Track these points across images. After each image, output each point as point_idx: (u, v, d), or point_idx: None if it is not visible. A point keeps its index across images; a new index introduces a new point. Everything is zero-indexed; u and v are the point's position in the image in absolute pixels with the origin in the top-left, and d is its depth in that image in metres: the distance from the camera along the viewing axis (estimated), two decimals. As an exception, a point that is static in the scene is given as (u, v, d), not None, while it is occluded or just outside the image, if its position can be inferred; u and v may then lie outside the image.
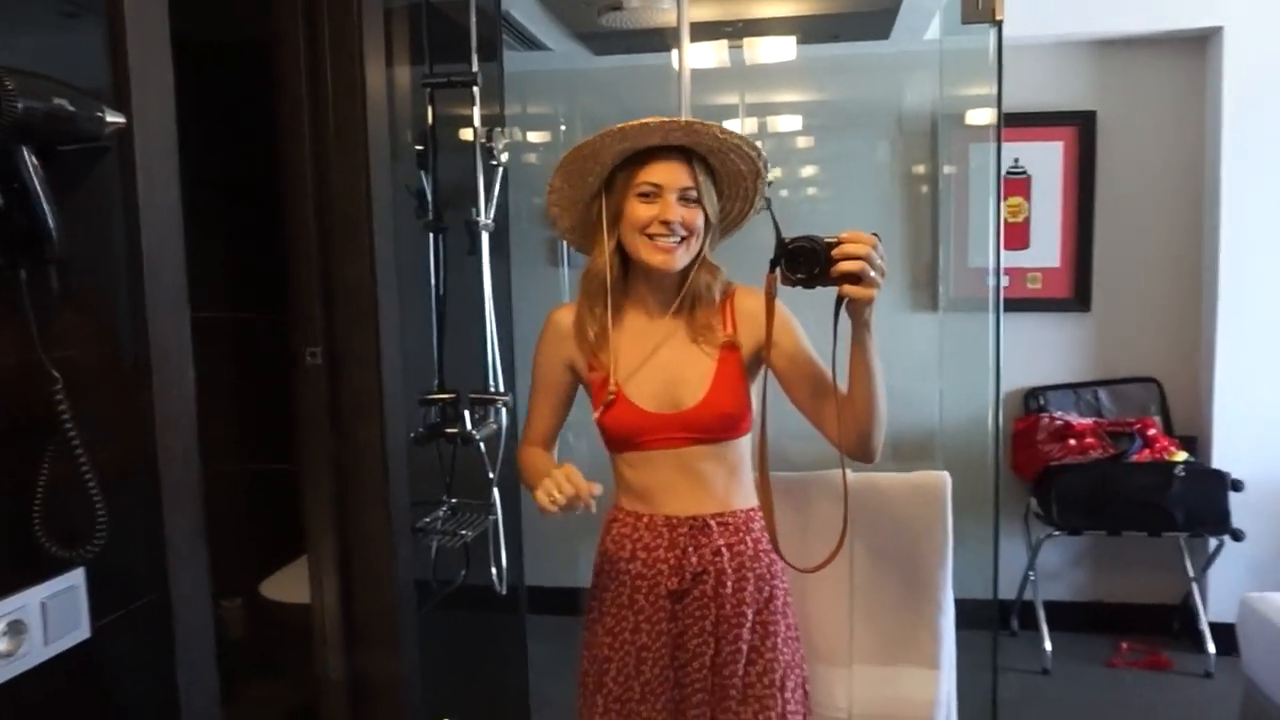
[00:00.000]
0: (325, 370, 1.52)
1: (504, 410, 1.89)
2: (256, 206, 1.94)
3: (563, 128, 3.07)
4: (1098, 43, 3.23)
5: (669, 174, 1.37)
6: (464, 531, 1.73)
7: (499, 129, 2.03)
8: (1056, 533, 3.09)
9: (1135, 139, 3.32)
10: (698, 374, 1.41)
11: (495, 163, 1.99)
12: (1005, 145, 3.42)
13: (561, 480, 1.28)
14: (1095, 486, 3.01)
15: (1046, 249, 3.46)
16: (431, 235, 1.92)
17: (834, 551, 1.31)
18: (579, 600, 2.91)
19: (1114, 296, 3.38)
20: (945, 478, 1.59)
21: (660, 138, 1.36)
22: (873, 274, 1.21)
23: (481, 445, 1.84)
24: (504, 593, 1.89)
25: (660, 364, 1.42)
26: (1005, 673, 3.00)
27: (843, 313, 1.24)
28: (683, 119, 1.36)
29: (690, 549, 1.42)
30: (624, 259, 1.43)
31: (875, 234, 1.22)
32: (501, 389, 1.92)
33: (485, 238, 1.94)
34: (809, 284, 1.22)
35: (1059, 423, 3.26)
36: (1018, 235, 3.52)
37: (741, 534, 1.44)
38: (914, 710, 1.58)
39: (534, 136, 3.18)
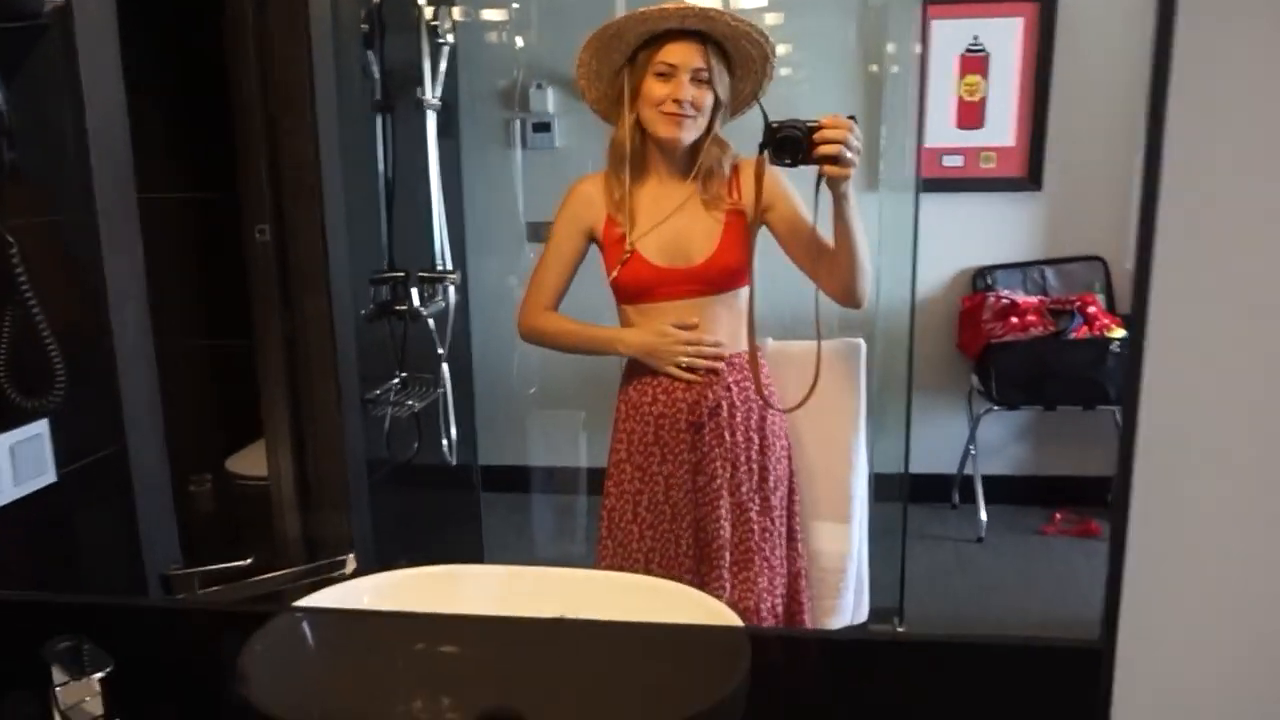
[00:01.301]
0: (274, 247, 1.58)
1: (451, 288, 1.96)
2: (204, 88, 1.96)
3: (515, 5, 3.03)
4: (1061, -85, 3.19)
5: (684, 55, 1.53)
6: (412, 402, 1.82)
7: (445, 7, 2.04)
8: (995, 408, 3.22)
9: (1096, 15, 3.30)
10: (707, 234, 1.60)
11: (442, 41, 2.01)
12: (965, 22, 3.43)
13: (694, 351, 1.59)
14: (1033, 362, 3.13)
15: (1002, 128, 3.47)
16: (380, 115, 1.95)
17: (809, 392, 1.55)
18: (530, 478, 3.05)
19: (1066, 175, 3.40)
20: (860, 344, 1.69)
21: (677, 22, 1.52)
22: (849, 155, 1.42)
23: (430, 322, 1.92)
24: (454, 463, 2.00)
25: (674, 226, 1.60)
26: (941, 542, 3.18)
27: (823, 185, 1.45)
28: (698, 5, 1.54)
29: (705, 388, 1.62)
30: (643, 131, 1.60)
31: (852, 117, 1.42)
32: (449, 267, 1.99)
33: (432, 117, 1.97)
34: (793, 165, 1.43)
35: (1004, 301, 3.35)
36: (974, 114, 3.52)
37: (746, 372, 1.64)
38: (827, 562, 1.73)
39: (490, 14, 3.14)
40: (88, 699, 0.74)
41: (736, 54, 1.56)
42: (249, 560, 0.98)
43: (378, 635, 0.85)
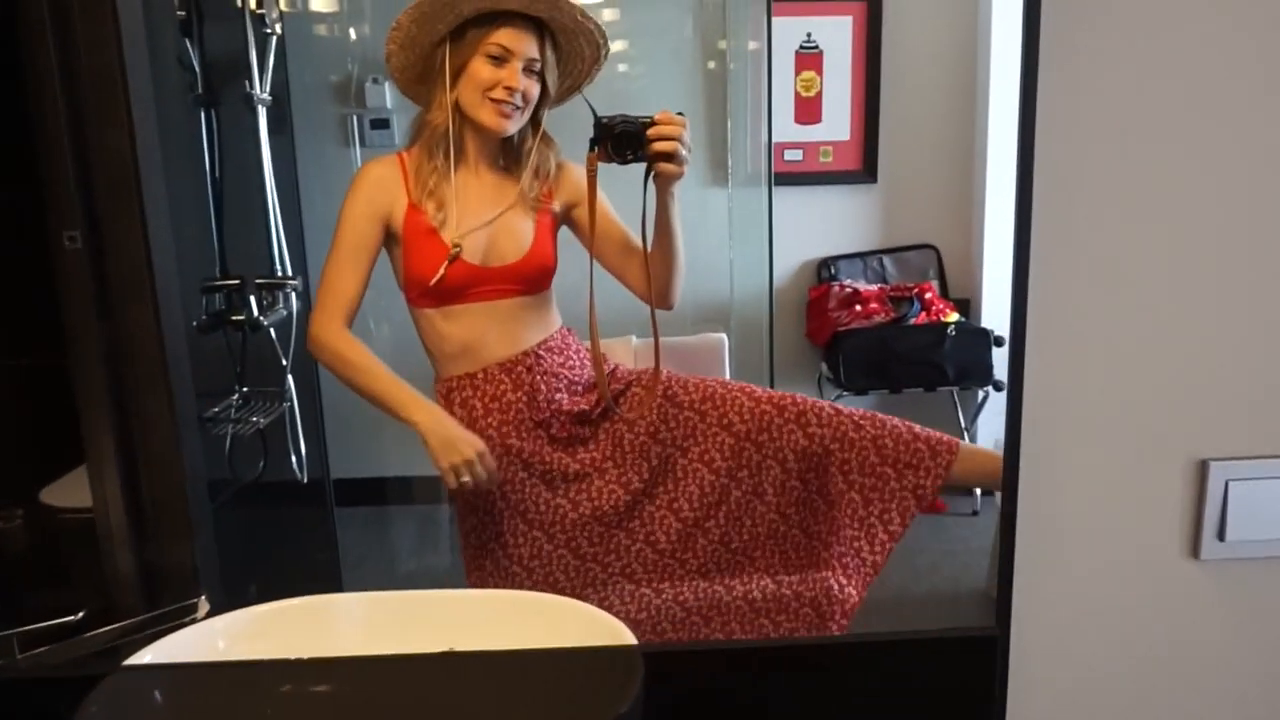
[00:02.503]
0: (86, 255, 1.42)
1: (294, 295, 1.84)
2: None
3: (348, -3, 2.88)
4: (884, -85, 3.32)
5: (520, 42, 1.47)
6: (256, 419, 1.70)
7: (271, -5, 1.91)
8: (845, 393, 3.31)
9: (920, 14, 3.46)
10: (521, 232, 1.55)
11: (269, 31, 1.89)
12: (799, 20, 3.53)
13: (477, 470, 1.48)
14: (877, 348, 3.25)
15: (838, 123, 3.57)
16: (203, 110, 1.81)
17: (649, 398, 1.56)
18: (386, 490, 2.92)
19: (898, 169, 3.55)
20: (723, 339, 1.71)
21: (522, 5, 1.46)
22: (684, 153, 1.41)
23: (272, 332, 1.79)
24: (305, 480, 1.88)
25: (487, 221, 1.54)
26: (799, 523, 3.25)
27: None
28: None
29: (537, 378, 1.57)
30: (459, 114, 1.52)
31: (681, 113, 1.42)
32: (290, 273, 1.86)
33: (263, 113, 1.84)
34: (633, 161, 1.41)
35: (848, 290, 3.46)
36: (811, 110, 3.61)
37: (565, 351, 1.62)
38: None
39: (319, 4, 2.98)
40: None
41: (569, 48, 1.52)
42: (79, 615, 0.86)
43: (238, 681, 0.76)
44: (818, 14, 3.48)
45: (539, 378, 1.57)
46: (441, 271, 1.49)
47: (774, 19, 3.27)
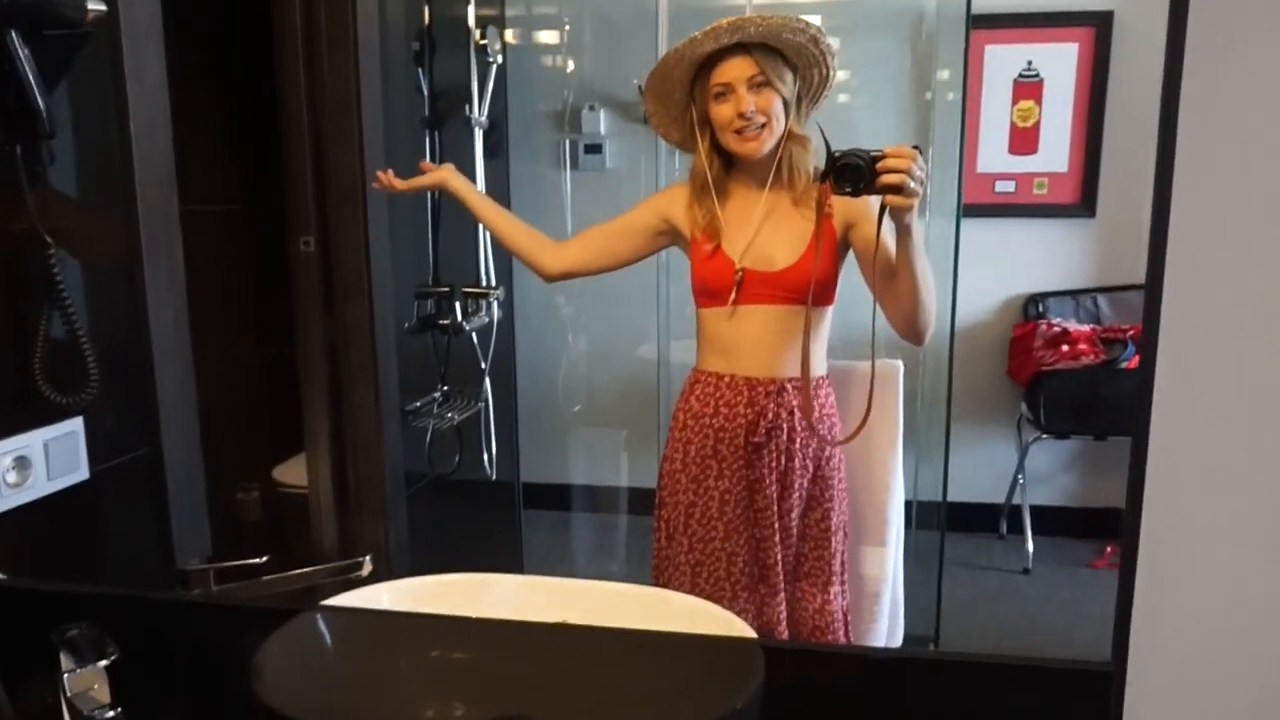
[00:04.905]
0: (318, 257, 1.61)
1: (495, 304, 1.98)
2: (250, 99, 2.01)
3: (567, 28, 3.07)
4: (1116, -60, 3.15)
5: (734, 71, 1.53)
6: (452, 415, 1.84)
7: (495, 29, 2.08)
8: (1045, 436, 3.16)
9: (1152, 44, 3.24)
10: (795, 238, 1.58)
11: (491, 60, 2.05)
12: (1019, 48, 3.40)
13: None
14: (1084, 391, 3.07)
15: (1055, 154, 3.42)
16: (428, 132, 1.99)
17: (859, 427, 1.54)
18: (571, 496, 3.05)
19: (1119, 203, 3.34)
20: (898, 366, 1.67)
21: (714, 43, 1.53)
22: (912, 185, 1.39)
23: (474, 336, 1.94)
24: (495, 479, 2.01)
25: (762, 230, 1.60)
26: (987, 571, 3.10)
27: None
28: (725, 21, 1.52)
29: (768, 407, 1.60)
30: (722, 151, 1.61)
31: (916, 146, 1.40)
32: (494, 283, 2.01)
33: (479, 134, 2.00)
34: (855, 195, 1.42)
35: (1056, 329, 3.29)
36: (1027, 140, 3.48)
37: (813, 400, 1.61)
38: (863, 585, 1.71)
39: (543, 37, 3.18)
40: (95, 686, 0.76)
41: (787, 48, 1.55)
42: (264, 559, 0.99)
43: (385, 636, 0.85)
44: (1040, 41, 3.34)
45: (772, 410, 1.60)
46: (733, 297, 1.58)
47: (992, 47, 3.17)
